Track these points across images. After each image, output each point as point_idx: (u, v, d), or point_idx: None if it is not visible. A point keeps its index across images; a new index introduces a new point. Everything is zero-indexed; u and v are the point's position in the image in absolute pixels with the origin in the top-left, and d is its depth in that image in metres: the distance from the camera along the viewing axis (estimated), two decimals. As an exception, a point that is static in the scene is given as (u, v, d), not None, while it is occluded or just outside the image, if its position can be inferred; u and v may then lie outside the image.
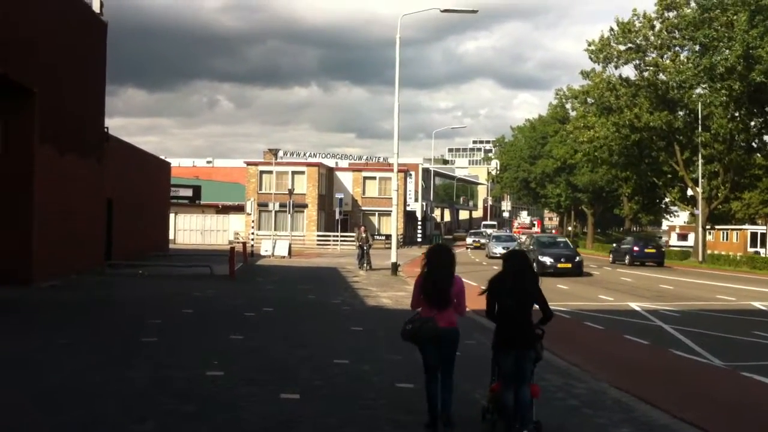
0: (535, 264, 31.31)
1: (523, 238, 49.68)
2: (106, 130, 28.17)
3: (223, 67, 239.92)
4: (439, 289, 7.64)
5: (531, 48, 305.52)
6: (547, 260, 33.46)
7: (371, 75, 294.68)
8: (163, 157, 47.97)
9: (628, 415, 8.65)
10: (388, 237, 43.26)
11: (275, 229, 53.44)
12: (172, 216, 52.51)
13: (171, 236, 52.10)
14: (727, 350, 13.90)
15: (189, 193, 67.43)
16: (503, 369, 7.54)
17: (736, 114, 43.63)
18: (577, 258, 34.48)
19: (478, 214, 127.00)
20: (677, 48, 49.04)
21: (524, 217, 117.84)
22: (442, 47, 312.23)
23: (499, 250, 45.22)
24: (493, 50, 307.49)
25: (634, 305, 21.32)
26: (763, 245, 55.74)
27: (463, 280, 7.99)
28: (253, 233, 49.43)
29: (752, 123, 44.45)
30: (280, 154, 69.00)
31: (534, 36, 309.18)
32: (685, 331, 16.12)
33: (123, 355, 11.50)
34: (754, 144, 48.24)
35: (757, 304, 22.26)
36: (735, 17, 36.04)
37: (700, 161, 48.79)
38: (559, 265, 33.22)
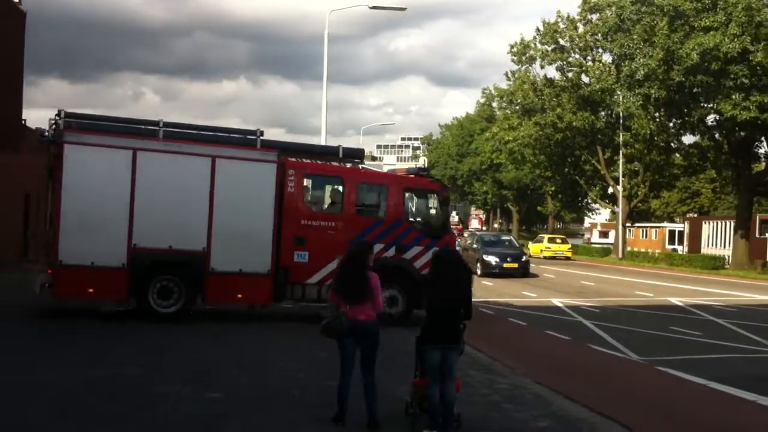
0: (478, 264, 31.19)
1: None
2: (23, 122, 27.31)
3: (149, 59, 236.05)
4: (352, 283, 7.74)
5: (462, 46, 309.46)
6: (492, 260, 31.42)
7: (302, 70, 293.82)
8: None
9: (547, 410, 8.85)
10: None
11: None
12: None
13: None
14: (644, 345, 14.33)
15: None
16: (429, 364, 7.62)
17: (656, 115, 44.94)
18: (524, 257, 32.40)
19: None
20: (600, 50, 50.24)
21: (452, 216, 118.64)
22: (374, 44, 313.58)
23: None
24: (425, 48, 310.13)
25: (557, 301, 21.77)
26: (680, 243, 57.52)
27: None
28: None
29: (671, 124, 45.85)
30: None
31: (465, 35, 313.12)
32: (604, 327, 16.55)
33: (45, 353, 11.18)
34: (672, 144, 49.75)
35: (674, 300, 23.00)
36: (654, 23, 37.10)
37: (621, 160, 50.10)
38: (505, 265, 31.15)
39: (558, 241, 53.39)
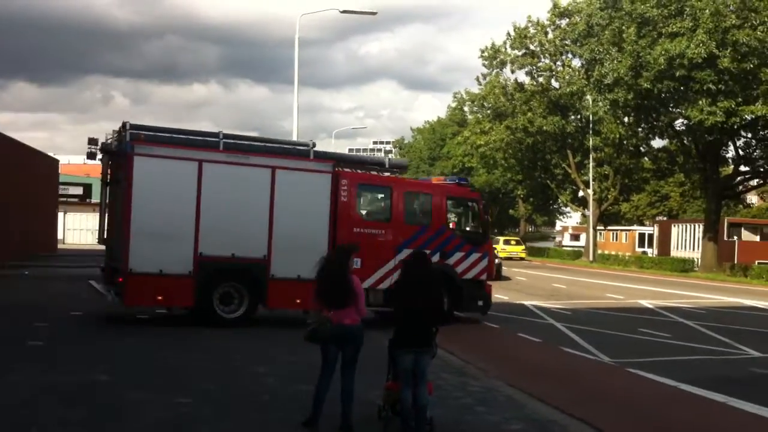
0: None
1: None
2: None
3: (118, 62, 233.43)
4: (334, 288, 7.66)
5: (433, 50, 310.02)
6: None
7: (272, 73, 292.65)
8: (51, 154, 46.15)
9: (520, 413, 8.84)
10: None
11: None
12: (61, 215, 50.51)
13: (60, 236, 50.15)
14: (615, 347, 14.40)
15: (79, 191, 65.01)
16: (401, 367, 7.58)
17: (626, 120, 45.40)
18: (496, 260, 30.31)
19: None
20: (569, 55, 50.62)
21: None
22: (345, 48, 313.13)
23: None
24: (396, 52, 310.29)
25: (529, 304, 21.85)
26: (650, 245, 58.13)
27: None
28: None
29: (640, 129, 46.31)
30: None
31: (436, 39, 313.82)
32: (576, 329, 16.63)
33: (6, 359, 10.97)
34: (642, 148, 50.27)
35: (644, 303, 23.18)
36: (623, 29, 37.46)
37: (591, 164, 50.51)
38: None
39: (513, 242, 55.70)
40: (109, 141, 15.65)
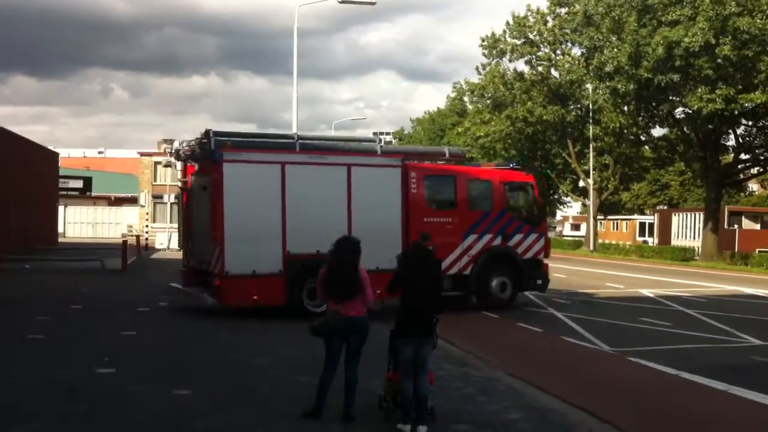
0: None
1: None
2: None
3: (118, 55, 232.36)
4: (343, 280, 7.66)
5: (432, 41, 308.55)
6: None
7: (273, 64, 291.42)
8: (51, 148, 46.13)
9: (520, 401, 8.85)
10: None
11: (171, 222, 52.18)
12: (61, 208, 50.54)
13: (60, 229, 50.18)
14: (616, 336, 14.41)
15: (79, 184, 64.98)
16: (402, 358, 7.58)
17: (626, 109, 45.31)
18: None
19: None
20: (569, 44, 50.49)
21: None
22: (345, 38, 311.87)
23: None
24: (395, 42, 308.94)
25: (529, 294, 21.77)
26: (651, 234, 58.11)
27: None
28: (147, 226, 48.13)
29: (640, 117, 46.21)
30: (176, 144, 67.41)
31: (435, 29, 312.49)
32: (576, 319, 16.63)
33: (8, 353, 10.98)
34: (642, 137, 50.19)
35: (645, 292, 23.17)
36: (624, 16, 37.32)
37: (591, 154, 50.44)
38: None
39: None
40: (187, 148, 16.37)
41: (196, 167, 16.72)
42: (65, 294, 18.77)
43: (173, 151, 16.99)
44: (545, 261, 18.74)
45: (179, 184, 16.91)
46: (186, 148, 16.43)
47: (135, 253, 33.01)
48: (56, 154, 44.72)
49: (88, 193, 65.88)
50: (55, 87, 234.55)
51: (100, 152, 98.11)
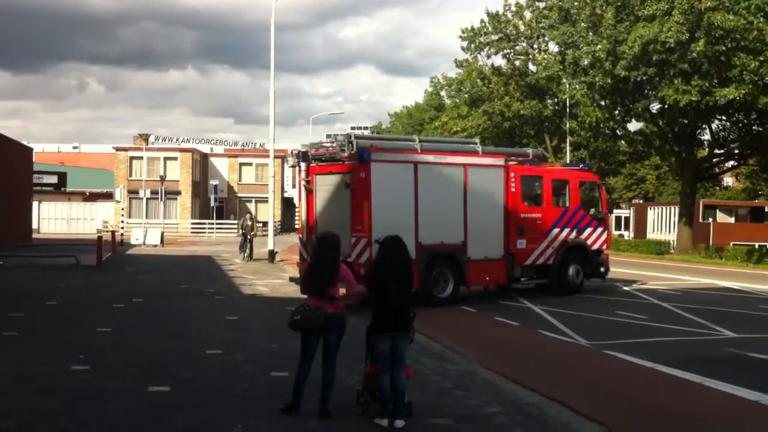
0: None
1: None
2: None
3: (94, 49, 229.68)
4: (326, 277, 7.67)
5: (411, 35, 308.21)
6: None
7: (250, 59, 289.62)
8: (25, 143, 45.64)
9: (498, 395, 8.88)
10: (266, 224, 42.68)
11: (147, 217, 51.91)
12: (35, 204, 50.03)
13: (35, 225, 49.70)
14: (592, 330, 14.50)
15: (54, 180, 64.38)
16: (379, 352, 7.58)
17: (603, 103, 45.52)
18: None
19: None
20: (546, 38, 50.61)
21: None
22: (323, 32, 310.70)
23: None
24: (374, 36, 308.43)
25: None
26: (627, 228, 58.52)
27: None
28: (123, 221, 47.77)
29: (616, 112, 46.45)
30: (152, 139, 66.99)
31: (415, 23, 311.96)
32: (553, 312, 16.72)
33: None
34: (618, 132, 50.46)
35: (620, 285, 23.32)
36: (601, 12, 37.45)
37: (568, 148, 50.67)
38: None
39: None
40: (329, 149, 18.01)
41: (322, 167, 18.26)
42: (40, 290, 18.58)
43: (300, 153, 18.71)
44: (606, 251, 21.51)
45: (303, 183, 18.54)
46: (327, 149, 18.11)
47: (110, 249, 32.75)
48: (30, 150, 44.25)
49: (62, 189, 65.30)
50: (30, 81, 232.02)
51: (74, 147, 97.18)
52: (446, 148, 18.74)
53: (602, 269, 21.22)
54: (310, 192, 18.49)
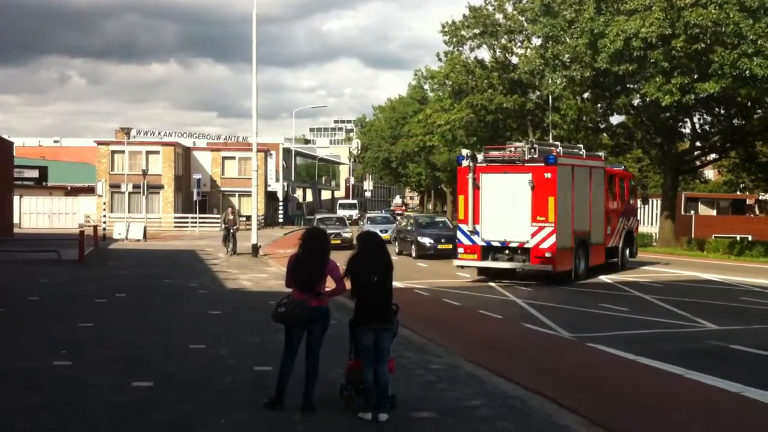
0: (413, 245, 31.49)
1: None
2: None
3: (76, 42, 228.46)
4: (315, 270, 7.67)
5: (396, 28, 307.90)
6: (427, 241, 31.33)
7: (234, 52, 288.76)
8: (6, 137, 45.24)
9: (481, 388, 8.91)
10: (249, 218, 42.59)
11: (129, 212, 51.55)
12: (16, 199, 49.61)
13: (16, 220, 49.28)
14: (575, 322, 14.57)
15: (35, 174, 63.85)
16: (363, 345, 7.59)
17: (585, 96, 45.62)
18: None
19: (340, 193, 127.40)
20: (528, 32, 50.62)
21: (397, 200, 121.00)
22: (307, 25, 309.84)
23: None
24: (358, 29, 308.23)
25: (490, 281, 21.95)
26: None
27: None
28: (105, 216, 47.49)
29: (598, 105, 46.57)
30: (134, 133, 66.52)
31: (399, 16, 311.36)
32: (536, 305, 16.78)
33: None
34: (600, 125, 50.60)
35: (604, 278, 23.41)
36: (581, 7, 37.44)
37: (551, 141, 50.77)
38: (440, 246, 30.75)
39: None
40: (513, 153, 21.92)
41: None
42: (21, 286, 18.46)
43: (470, 156, 22.16)
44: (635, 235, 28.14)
45: (470, 181, 21.56)
46: (512, 153, 21.96)
47: (92, 244, 32.55)
48: (10, 144, 43.86)
49: (43, 183, 64.79)
50: (11, 75, 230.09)
51: (56, 141, 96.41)
52: (573, 153, 23.15)
53: (634, 249, 27.84)
54: (476, 188, 21.62)
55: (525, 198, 20.63)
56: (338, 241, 32.49)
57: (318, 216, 48.94)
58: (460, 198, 22.30)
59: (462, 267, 22.64)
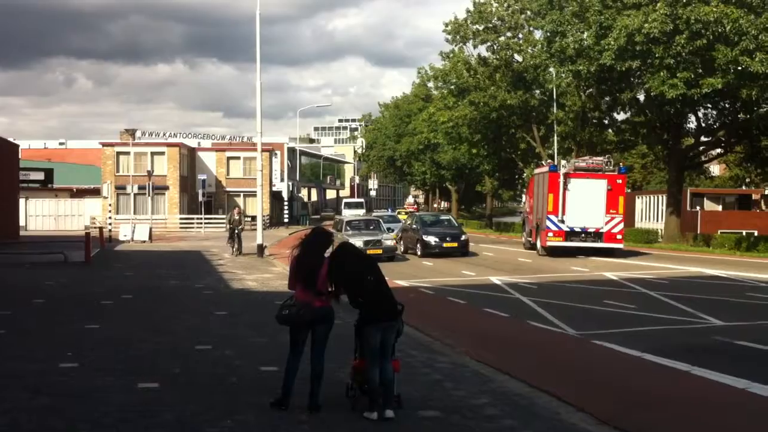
0: (418, 244, 31.53)
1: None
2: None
3: (82, 44, 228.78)
4: (313, 271, 7.67)
5: (400, 26, 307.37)
6: (432, 239, 31.19)
7: (239, 52, 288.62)
8: (11, 139, 45.35)
9: (487, 387, 8.91)
10: (254, 218, 42.53)
11: (135, 213, 51.66)
12: (22, 201, 49.73)
13: (22, 222, 49.39)
14: (581, 320, 14.56)
15: (40, 176, 63.91)
16: (369, 345, 7.58)
17: (589, 91, 45.52)
18: (463, 236, 32.15)
19: (345, 193, 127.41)
20: (531, 28, 50.55)
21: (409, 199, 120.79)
22: (312, 24, 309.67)
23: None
24: (363, 28, 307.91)
25: (495, 279, 21.97)
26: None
27: None
28: (110, 217, 47.58)
29: (603, 101, 46.46)
30: (138, 134, 66.63)
31: (404, 13, 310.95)
32: (542, 303, 16.76)
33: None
34: (605, 121, 50.50)
35: (609, 275, 23.40)
36: (586, 2, 37.36)
37: (556, 138, 50.71)
38: (445, 245, 31.00)
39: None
40: (591, 164, 30.62)
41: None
42: (28, 288, 18.51)
43: (559, 164, 31.14)
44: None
45: (561, 184, 29.64)
46: (594, 164, 30.38)
47: (98, 245, 32.62)
48: (16, 146, 43.98)
49: (49, 185, 64.88)
50: (17, 77, 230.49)
51: (61, 143, 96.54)
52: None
53: None
54: (565, 189, 29.60)
55: (601, 196, 29.49)
56: (378, 251, 26.85)
57: (345, 218, 34.19)
58: (550, 195, 29.95)
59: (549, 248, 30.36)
